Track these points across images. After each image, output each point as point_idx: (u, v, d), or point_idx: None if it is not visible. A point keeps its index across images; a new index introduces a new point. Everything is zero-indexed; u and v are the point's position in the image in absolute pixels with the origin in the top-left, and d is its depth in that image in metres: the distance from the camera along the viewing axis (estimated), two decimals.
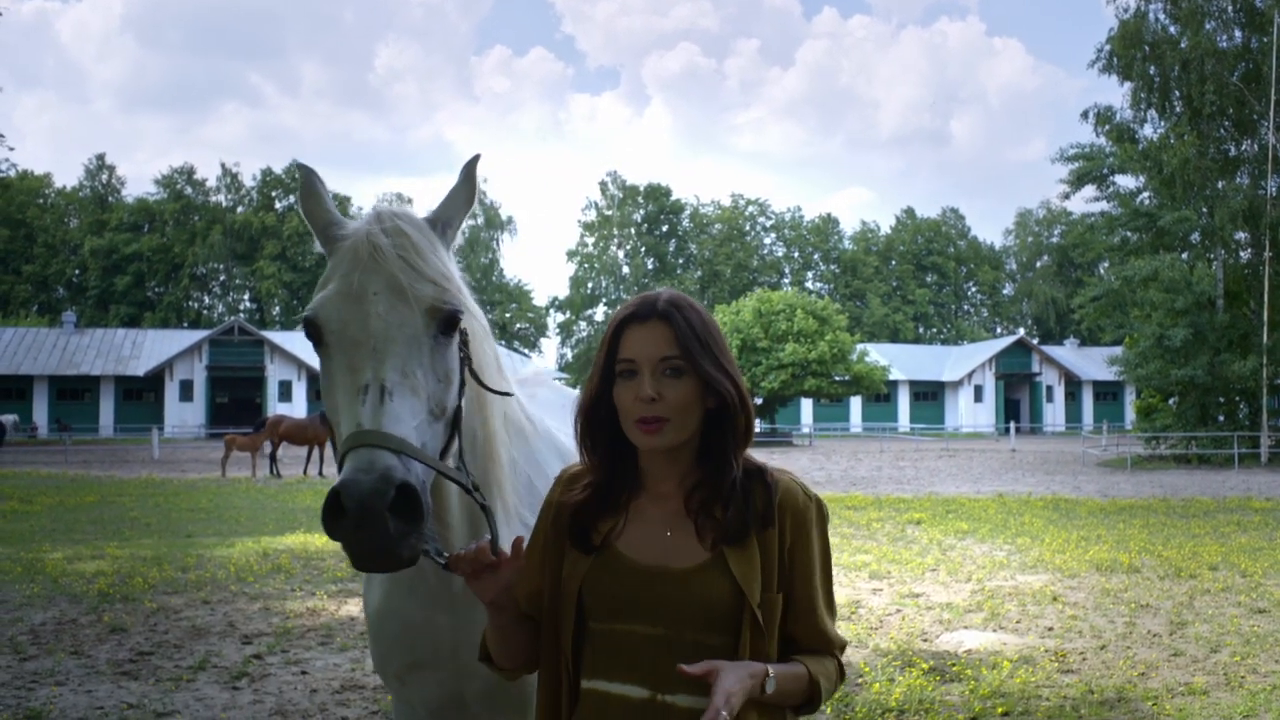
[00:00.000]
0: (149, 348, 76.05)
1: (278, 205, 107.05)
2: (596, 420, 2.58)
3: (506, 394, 3.14)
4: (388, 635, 3.29)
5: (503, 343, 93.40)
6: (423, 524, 2.32)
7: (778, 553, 2.50)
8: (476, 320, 3.00)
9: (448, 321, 2.68)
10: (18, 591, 12.00)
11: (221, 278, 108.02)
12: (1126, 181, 44.53)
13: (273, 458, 33.96)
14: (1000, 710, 7.42)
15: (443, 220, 2.92)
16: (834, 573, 2.66)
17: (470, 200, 2.96)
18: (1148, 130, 42.74)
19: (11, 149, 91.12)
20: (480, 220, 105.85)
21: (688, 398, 2.46)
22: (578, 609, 2.57)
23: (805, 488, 2.61)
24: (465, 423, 2.85)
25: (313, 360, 76.00)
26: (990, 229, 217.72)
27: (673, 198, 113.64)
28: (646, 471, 2.61)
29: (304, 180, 2.92)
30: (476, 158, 2.97)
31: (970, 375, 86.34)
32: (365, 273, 2.64)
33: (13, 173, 46.83)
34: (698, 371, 2.46)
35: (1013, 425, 61.52)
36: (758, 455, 2.63)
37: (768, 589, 2.47)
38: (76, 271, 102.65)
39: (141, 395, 75.21)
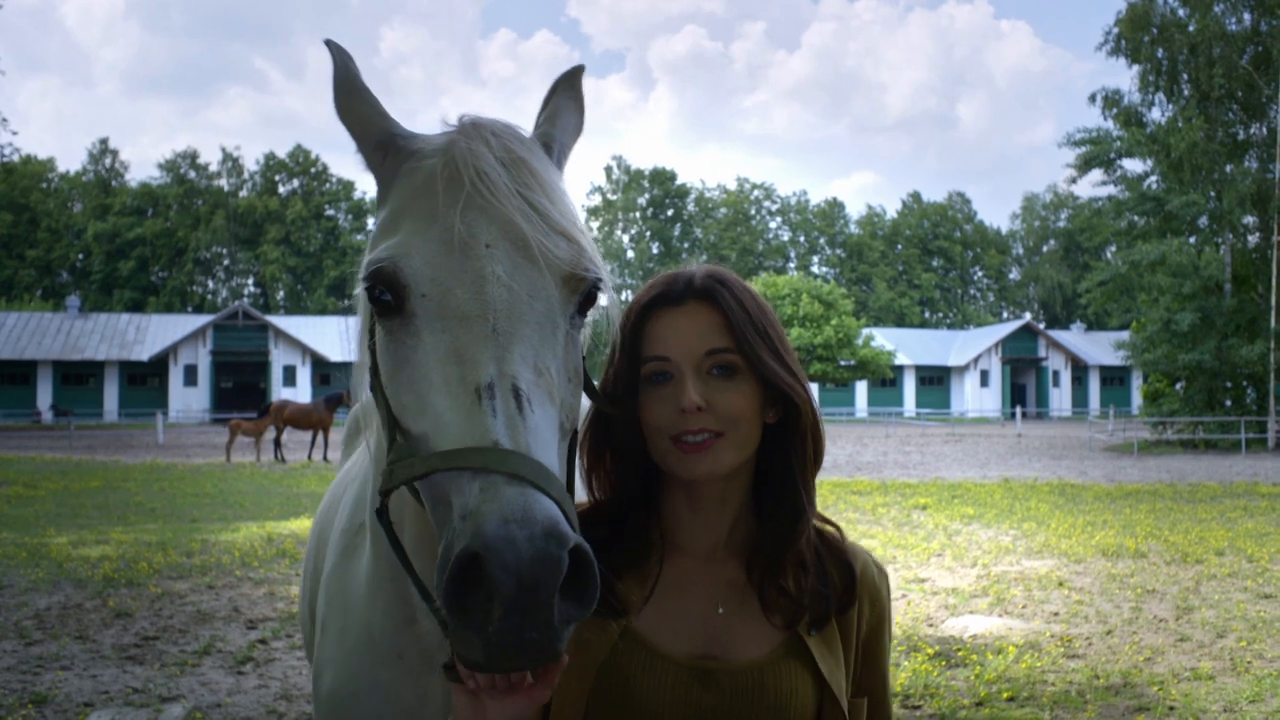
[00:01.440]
0: (153, 332, 76.22)
1: (280, 189, 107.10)
2: (611, 445, 1.92)
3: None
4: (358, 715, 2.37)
5: None
6: (594, 603, 1.58)
7: (855, 643, 1.92)
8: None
9: (588, 297, 1.93)
10: (23, 576, 12.01)
11: (225, 262, 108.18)
12: (1134, 165, 44.45)
13: (277, 442, 34.01)
14: (1006, 695, 7.40)
15: (559, 144, 2.13)
16: None
17: (582, 123, 2.22)
18: (1155, 114, 42.67)
19: (15, 133, 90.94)
20: None
21: (745, 405, 1.83)
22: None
23: (875, 560, 2.02)
24: None
25: (318, 345, 75.26)
26: (997, 213, 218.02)
27: (678, 182, 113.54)
28: (681, 518, 1.93)
29: (339, 66, 2.03)
30: (580, 70, 2.27)
31: (976, 360, 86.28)
32: (471, 212, 1.83)
33: (16, 157, 46.83)
34: (757, 369, 1.83)
35: (1019, 410, 61.43)
36: None
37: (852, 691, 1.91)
38: (80, 256, 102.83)
39: (146, 380, 75.38)
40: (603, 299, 2.01)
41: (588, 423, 1.94)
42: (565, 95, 2.22)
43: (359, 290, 1.91)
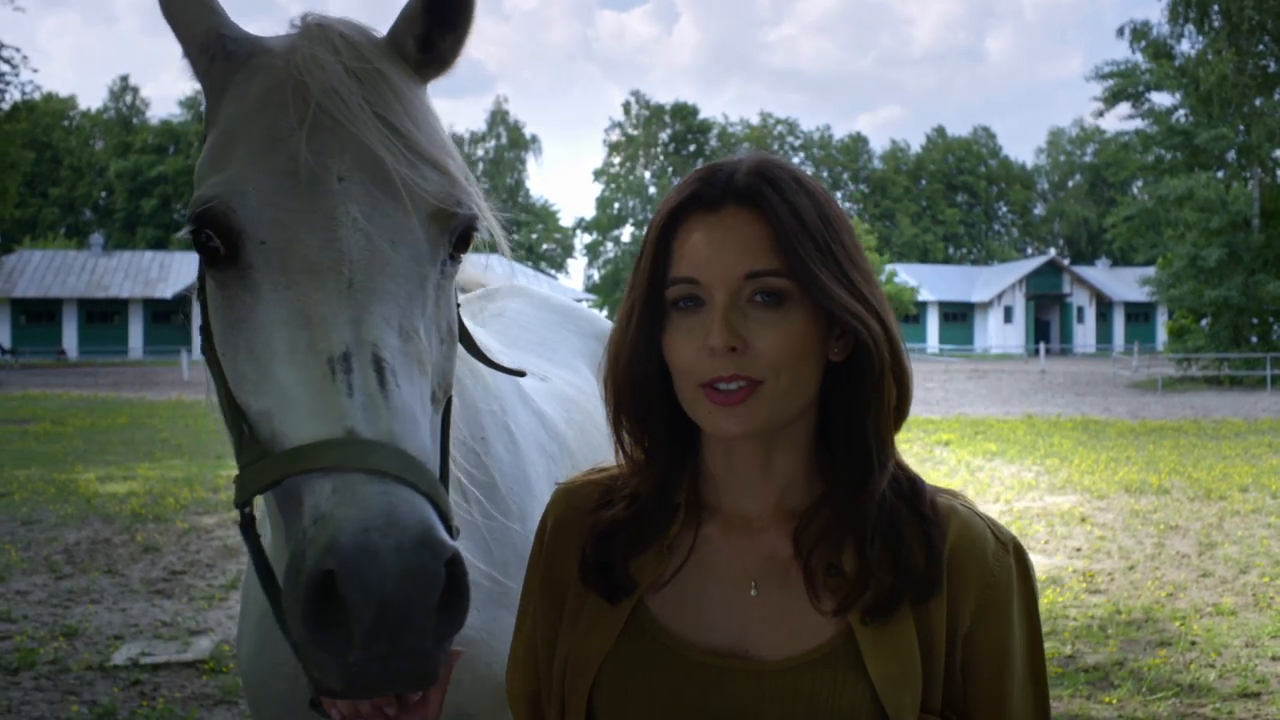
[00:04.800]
0: (176, 270, 76.34)
1: None
2: (638, 387, 1.52)
3: (519, 373, 2.06)
4: (268, 694, 2.11)
5: (529, 264, 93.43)
6: (463, 622, 1.35)
7: (944, 643, 1.45)
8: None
9: (464, 238, 1.62)
10: (52, 512, 12.16)
11: None
12: (1162, 99, 43.78)
13: None
14: None
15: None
16: None
17: (466, 21, 1.71)
18: (1185, 46, 41.86)
19: (35, 71, 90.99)
20: (505, 139, 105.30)
21: (794, 344, 1.41)
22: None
23: (995, 526, 1.53)
24: None
25: None
26: (1022, 148, 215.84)
27: (700, 117, 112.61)
28: (718, 477, 1.55)
29: None
30: None
31: (1000, 296, 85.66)
32: (320, 137, 1.51)
33: (37, 95, 46.58)
34: (815, 295, 1.41)
35: (1043, 346, 61.07)
36: None
37: (927, 707, 1.44)
38: (103, 194, 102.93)
39: (170, 318, 75.71)
40: (500, 241, 1.71)
41: (608, 369, 1.56)
42: None
43: (184, 233, 1.58)
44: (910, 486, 1.51)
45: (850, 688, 1.40)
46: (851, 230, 1.49)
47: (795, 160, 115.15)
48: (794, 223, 1.41)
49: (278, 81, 1.55)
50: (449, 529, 1.36)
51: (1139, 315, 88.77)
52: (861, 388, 1.46)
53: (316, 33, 1.60)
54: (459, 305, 1.79)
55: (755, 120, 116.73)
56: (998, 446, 18.58)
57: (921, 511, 1.48)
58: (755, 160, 1.48)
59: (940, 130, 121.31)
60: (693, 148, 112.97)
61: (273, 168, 1.50)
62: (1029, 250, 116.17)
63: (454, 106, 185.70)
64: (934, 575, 1.44)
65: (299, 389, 1.41)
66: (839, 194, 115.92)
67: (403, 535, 1.25)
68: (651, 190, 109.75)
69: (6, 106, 40.18)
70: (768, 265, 1.41)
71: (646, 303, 1.48)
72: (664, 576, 1.52)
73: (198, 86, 1.69)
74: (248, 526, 1.53)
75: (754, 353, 1.39)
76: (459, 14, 1.67)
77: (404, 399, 1.40)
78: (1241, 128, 40.10)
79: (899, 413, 1.50)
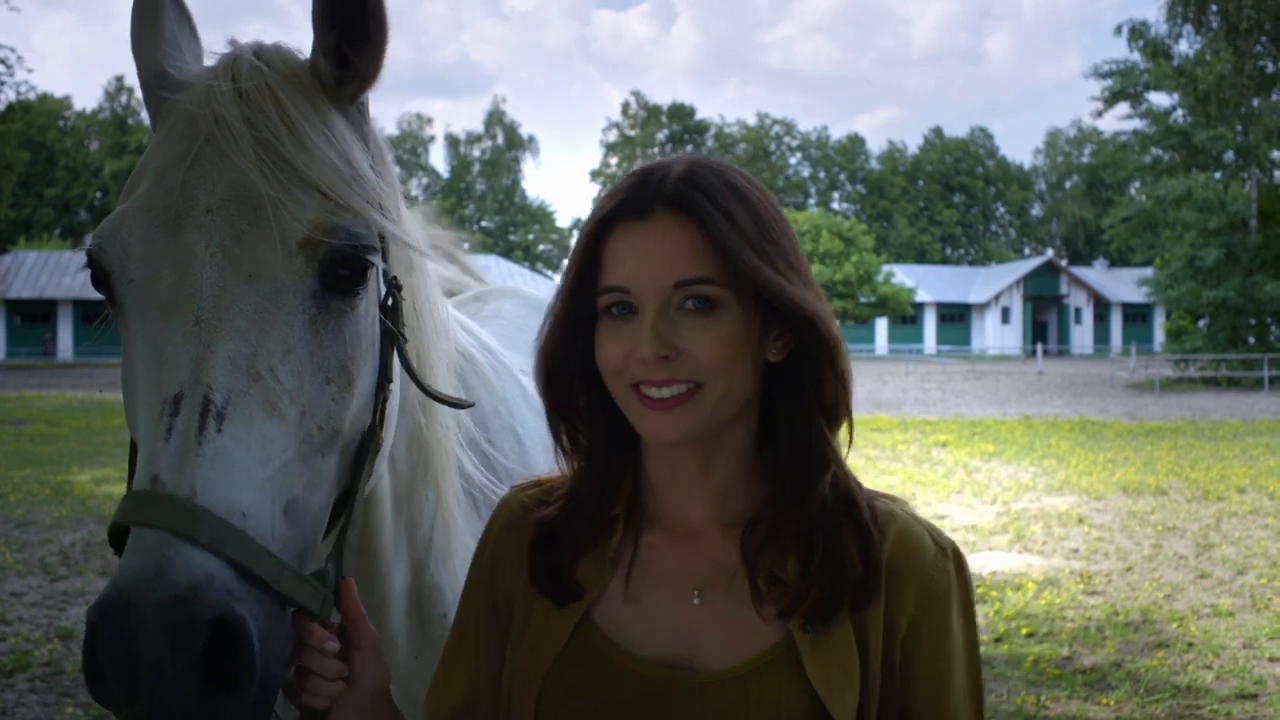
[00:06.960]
0: None
1: None
2: (569, 389, 1.54)
3: (461, 404, 1.85)
4: None
5: (526, 264, 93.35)
6: (252, 687, 1.27)
7: (882, 648, 1.44)
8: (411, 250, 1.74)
9: (346, 264, 1.50)
10: (47, 513, 12.12)
11: None
12: (1160, 99, 43.84)
13: None
14: (1025, 631, 7.41)
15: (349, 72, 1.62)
16: None
17: (385, 33, 1.59)
18: (1183, 46, 41.94)
19: (31, 71, 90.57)
20: (502, 140, 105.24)
21: (729, 344, 1.40)
22: None
23: (934, 531, 1.52)
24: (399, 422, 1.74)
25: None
26: (1020, 148, 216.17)
27: (698, 117, 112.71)
28: (659, 484, 1.53)
29: None
30: None
31: (998, 297, 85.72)
32: (199, 169, 1.47)
33: (32, 95, 46.58)
34: (758, 288, 1.39)
35: (1040, 347, 61.09)
36: None
37: (864, 713, 1.43)
38: (98, 195, 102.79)
39: None
40: (393, 263, 1.59)
41: (539, 370, 1.54)
42: None
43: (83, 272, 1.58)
44: (849, 491, 1.49)
45: (792, 696, 1.39)
46: (789, 232, 1.47)
47: (792, 161, 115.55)
48: (727, 227, 1.39)
49: (180, 116, 1.53)
50: (256, 584, 1.29)
51: (1136, 316, 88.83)
52: (804, 388, 1.45)
53: (224, 62, 1.57)
54: (449, 310, 1.76)
55: (752, 121, 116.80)
56: (995, 447, 18.57)
57: (860, 518, 1.47)
58: (686, 165, 1.46)
59: (938, 131, 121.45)
60: (690, 148, 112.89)
61: (150, 205, 1.48)
62: (1026, 251, 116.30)
63: (451, 107, 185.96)
64: (872, 582, 1.43)
65: (143, 430, 1.38)
66: (835, 194, 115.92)
67: (168, 590, 1.20)
68: None
69: (1, 107, 40.14)
70: (697, 273, 1.39)
71: (579, 309, 1.47)
72: (608, 589, 1.50)
73: None
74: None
75: (688, 356, 1.38)
76: (368, 24, 1.57)
77: (224, 445, 1.32)
78: (1239, 128, 40.17)
79: (839, 406, 1.48)
